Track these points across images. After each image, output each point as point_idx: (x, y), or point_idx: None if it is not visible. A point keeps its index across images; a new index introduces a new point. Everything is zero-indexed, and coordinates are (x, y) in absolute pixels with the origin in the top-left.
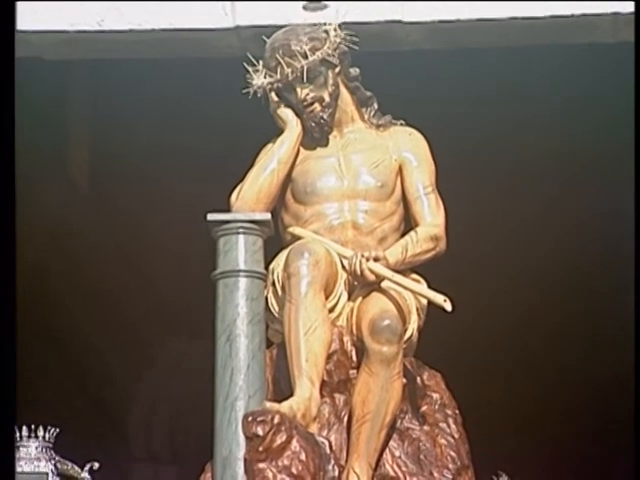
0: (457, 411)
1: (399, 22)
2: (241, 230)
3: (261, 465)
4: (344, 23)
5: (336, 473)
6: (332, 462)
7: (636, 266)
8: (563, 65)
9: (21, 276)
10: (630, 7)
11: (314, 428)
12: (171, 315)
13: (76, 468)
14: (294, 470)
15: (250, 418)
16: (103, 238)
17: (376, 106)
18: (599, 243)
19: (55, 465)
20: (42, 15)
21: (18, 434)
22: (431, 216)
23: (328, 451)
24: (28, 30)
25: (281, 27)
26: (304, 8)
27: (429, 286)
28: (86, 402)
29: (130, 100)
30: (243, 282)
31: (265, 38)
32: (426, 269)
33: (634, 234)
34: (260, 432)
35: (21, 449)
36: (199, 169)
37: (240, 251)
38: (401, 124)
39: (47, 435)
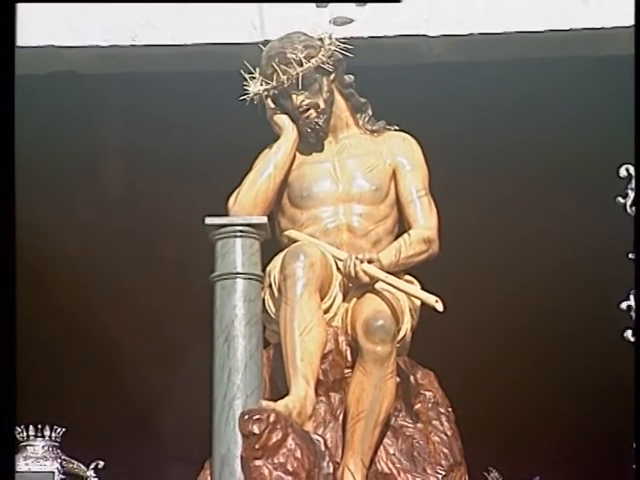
0: (450, 409)
1: (424, 36)
2: (238, 233)
3: (257, 462)
4: (370, 37)
5: (331, 470)
6: (327, 459)
7: (636, 267)
8: (581, 77)
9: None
10: None
11: (309, 426)
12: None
13: (82, 467)
14: (289, 467)
15: (246, 416)
16: (138, 247)
17: (370, 112)
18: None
19: (61, 464)
20: (77, 31)
21: (25, 433)
22: (424, 219)
23: (323, 448)
24: (63, 45)
25: None
26: (332, 22)
27: (422, 288)
28: (95, 403)
29: (162, 113)
30: (241, 284)
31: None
32: (428, 273)
33: (634, 236)
34: (256, 430)
35: (28, 448)
36: (233, 181)
37: (237, 254)
38: (395, 129)
39: (53, 434)
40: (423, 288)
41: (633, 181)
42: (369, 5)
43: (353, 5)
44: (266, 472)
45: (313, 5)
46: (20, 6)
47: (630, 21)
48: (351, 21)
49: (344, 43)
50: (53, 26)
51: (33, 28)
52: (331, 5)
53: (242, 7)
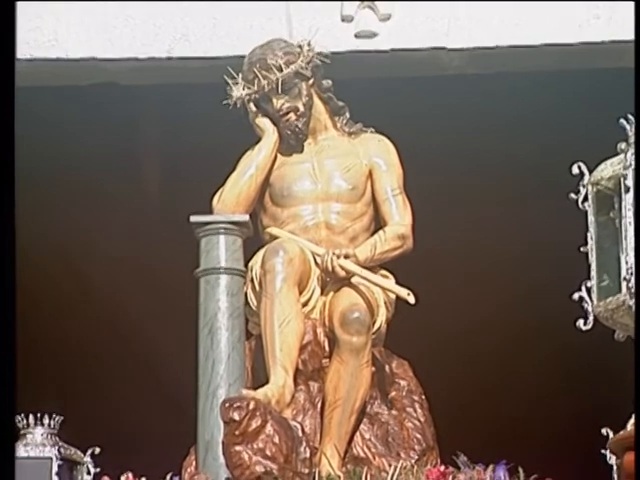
0: (423, 397)
1: (443, 49)
2: (222, 231)
3: (238, 448)
4: (392, 50)
5: (308, 455)
6: (304, 444)
7: (636, 270)
8: (593, 89)
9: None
10: None
11: (288, 413)
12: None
13: (79, 453)
14: (268, 452)
15: (227, 404)
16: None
17: (348, 115)
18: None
19: (59, 450)
20: (117, 44)
21: (25, 422)
22: (399, 216)
23: (301, 434)
24: (105, 58)
25: (334, 54)
26: (356, 36)
27: (397, 282)
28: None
29: (198, 122)
30: (224, 279)
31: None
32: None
33: (634, 240)
34: (236, 417)
35: (27, 436)
36: None
37: (221, 250)
38: (371, 132)
39: (52, 422)
40: (397, 282)
41: (585, 177)
42: (392, 19)
43: (377, 19)
44: (246, 457)
45: (339, 19)
46: (63, 21)
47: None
48: (375, 35)
49: (319, 53)
50: (95, 40)
51: (76, 42)
52: (356, 19)
53: (272, 21)
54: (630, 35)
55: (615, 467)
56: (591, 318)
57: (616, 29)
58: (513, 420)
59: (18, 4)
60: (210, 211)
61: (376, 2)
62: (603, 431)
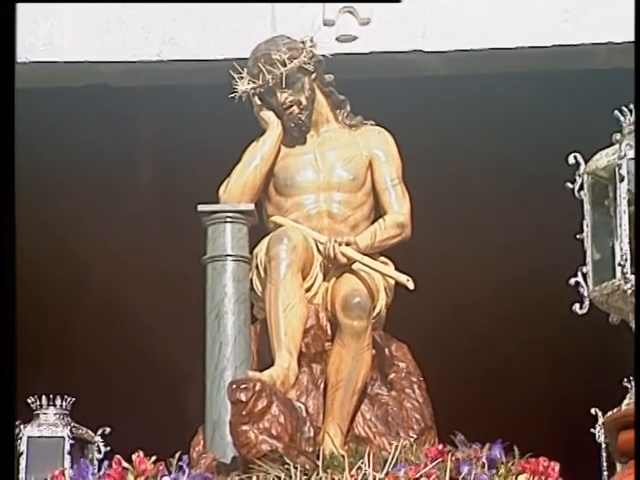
0: (421, 378)
1: (420, 51)
2: (228, 219)
3: (244, 427)
4: (372, 52)
5: (312, 434)
6: (308, 424)
7: (636, 269)
8: (564, 89)
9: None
10: (624, 37)
11: (292, 394)
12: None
13: (90, 432)
14: (274, 431)
15: (234, 386)
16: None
17: (349, 108)
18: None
19: (71, 430)
20: (109, 48)
21: (38, 402)
22: (398, 205)
23: (305, 414)
24: (98, 61)
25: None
26: (337, 40)
27: (396, 268)
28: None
29: (188, 120)
30: (230, 265)
31: None
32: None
33: (634, 237)
34: (243, 398)
35: (41, 416)
36: None
37: (227, 238)
38: (371, 124)
39: (64, 403)
40: (396, 268)
41: (581, 167)
42: (371, 24)
43: (357, 24)
44: (252, 436)
45: (321, 23)
46: (57, 26)
47: (607, 38)
48: (355, 38)
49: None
50: (88, 44)
51: (70, 46)
52: (338, 23)
53: (257, 25)
54: (598, 38)
55: (604, 445)
56: (587, 302)
57: (585, 32)
58: (508, 402)
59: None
60: (210, 201)
61: (356, 7)
62: (592, 411)
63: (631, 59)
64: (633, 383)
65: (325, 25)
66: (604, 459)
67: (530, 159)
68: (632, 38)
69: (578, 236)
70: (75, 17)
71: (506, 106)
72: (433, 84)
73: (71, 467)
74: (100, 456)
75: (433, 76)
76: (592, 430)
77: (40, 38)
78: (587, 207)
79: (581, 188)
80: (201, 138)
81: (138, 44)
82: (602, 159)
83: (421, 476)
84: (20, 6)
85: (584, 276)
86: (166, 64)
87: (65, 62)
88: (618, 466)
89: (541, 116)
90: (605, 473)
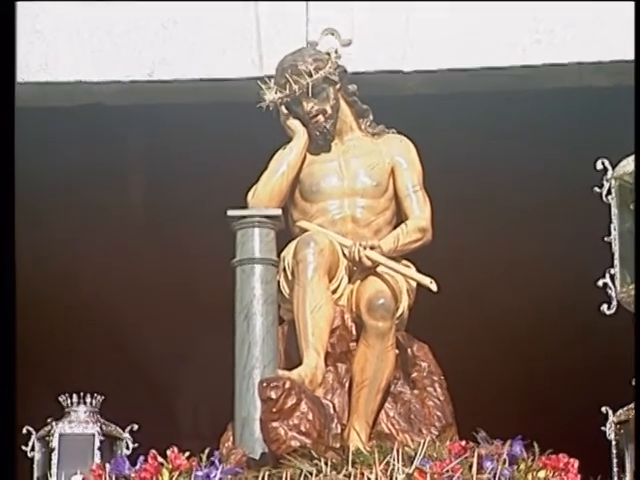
0: (442, 377)
1: (400, 72)
2: (256, 224)
3: (274, 424)
4: (353, 73)
5: (339, 430)
6: (335, 421)
7: (636, 268)
8: (536, 108)
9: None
10: (594, 56)
11: (320, 392)
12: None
13: (119, 429)
14: (303, 428)
15: (265, 384)
16: (162, 275)
17: (371, 117)
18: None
19: (101, 427)
20: (102, 68)
21: (69, 401)
22: (419, 210)
23: (332, 412)
24: (91, 81)
25: None
26: None
27: (418, 270)
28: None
29: (178, 138)
30: (258, 268)
31: None
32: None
33: (634, 238)
34: (273, 396)
35: (72, 414)
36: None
37: (256, 242)
38: (392, 132)
39: (94, 402)
40: (418, 270)
41: (609, 172)
42: (352, 45)
43: (339, 45)
44: (282, 432)
45: (304, 44)
46: (52, 48)
47: (578, 58)
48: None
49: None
50: (81, 65)
51: (64, 66)
52: (320, 45)
53: (243, 46)
54: (568, 58)
55: (614, 443)
56: (614, 303)
57: (556, 53)
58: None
59: None
60: (245, 205)
61: (338, 28)
62: (603, 409)
63: (600, 78)
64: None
65: (309, 44)
66: (614, 456)
67: (512, 175)
68: (601, 58)
69: (606, 239)
70: (69, 39)
71: (481, 124)
72: (412, 103)
73: (101, 463)
74: (128, 452)
75: (412, 95)
76: (603, 428)
77: (35, 59)
78: (614, 211)
79: (609, 192)
80: (192, 155)
81: (130, 64)
82: (629, 165)
83: (447, 471)
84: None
85: (612, 277)
86: (157, 84)
87: (59, 82)
88: (627, 462)
89: (517, 133)
90: (615, 469)
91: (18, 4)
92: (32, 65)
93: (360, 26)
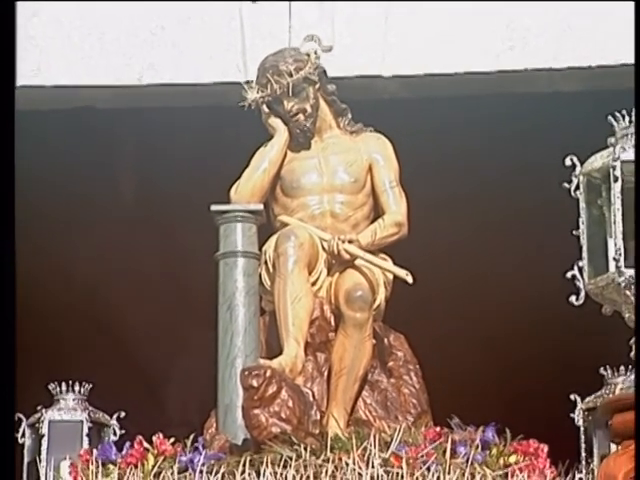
0: (417, 366)
1: (379, 77)
2: (239, 218)
3: (256, 411)
4: (335, 78)
5: (318, 417)
6: (314, 408)
7: (636, 267)
8: (511, 112)
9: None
10: (565, 62)
11: (299, 380)
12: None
13: (106, 416)
14: (283, 415)
15: (246, 372)
16: (151, 268)
17: (350, 116)
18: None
19: (89, 414)
20: (93, 73)
21: (58, 389)
22: (395, 206)
23: (311, 399)
24: (83, 85)
25: None
26: None
27: (395, 263)
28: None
29: (167, 140)
30: (241, 261)
31: None
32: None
33: (634, 238)
34: (255, 384)
35: (60, 401)
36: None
37: (238, 235)
38: (370, 131)
39: (82, 390)
40: (395, 264)
41: (577, 168)
42: (333, 51)
43: (320, 51)
44: (263, 419)
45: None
46: (45, 53)
47: (549, 64)
48: None
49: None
50: (73, 69)
51: (57, 71)
52: (302, 50)
53: (229, 52)
54: (542, 63)
55: (582, 429)
56: (582, 294)
57: (529, 58)
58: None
59: None
60: (228, 201)
61: (319, 35)
62: (572, 397)
63: (570, 84)
64: (630, 372)
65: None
66: (582, 441)
67: (489, 177)
68: (571, 64)
69: (574, 232)
70: (61, 44)
71: (461, 127)
72: (391, 106)
73: (89, 448)
74: (115, 438)
75: (391, 99)
76: (571, 415)
77: (29, 64)
78: (582, 205)
79: (577, 188)
80: (181, 156)
81: (120, 69)
82: (597, 161)
83: (421, 456)
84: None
85: (580, 270)
86: (146, 88)
87: (52, 86)
88: (595, 448)
89: (494, 136)
90: (583, 454)
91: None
92: (25, 70)
93: (340, 32)
